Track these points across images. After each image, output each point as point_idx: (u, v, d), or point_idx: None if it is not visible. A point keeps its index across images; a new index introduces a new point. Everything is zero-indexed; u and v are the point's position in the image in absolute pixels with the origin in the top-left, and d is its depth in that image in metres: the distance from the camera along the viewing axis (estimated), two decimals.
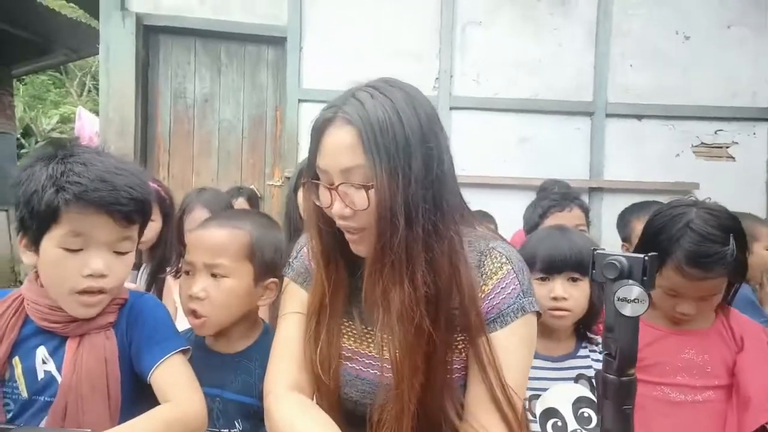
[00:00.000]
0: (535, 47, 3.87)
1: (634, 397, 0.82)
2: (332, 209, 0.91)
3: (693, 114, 3.89)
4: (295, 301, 1.05)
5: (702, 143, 3.93)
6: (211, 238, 1.15)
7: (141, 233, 1.07)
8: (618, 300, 0.77)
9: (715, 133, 3.92)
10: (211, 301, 1.12)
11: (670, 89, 3.89)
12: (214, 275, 1.13)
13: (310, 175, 0.95)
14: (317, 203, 0.94)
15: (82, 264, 0.96)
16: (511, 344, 0.92)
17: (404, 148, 0.85)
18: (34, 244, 0.97)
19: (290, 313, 1.05)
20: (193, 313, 1.14)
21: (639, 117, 3.91)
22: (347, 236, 0.94)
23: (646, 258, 0.80)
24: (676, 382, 1.29)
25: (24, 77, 10.60)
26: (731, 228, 1.20)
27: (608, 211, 3.69)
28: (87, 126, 4.87)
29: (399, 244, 0.85)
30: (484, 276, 0.94)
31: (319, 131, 0.91)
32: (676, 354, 1.30)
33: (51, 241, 0.96)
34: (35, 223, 0.95)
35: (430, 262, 0.87)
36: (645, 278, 0.79)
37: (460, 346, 0.93)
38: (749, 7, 3.89)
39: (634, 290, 0.77)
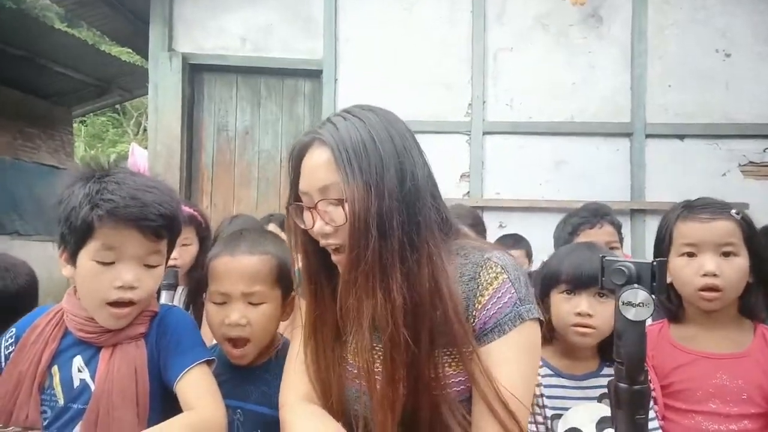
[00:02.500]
0: (569, 70, 3.86)
1: (648, 407, 0.80)
2: (314, 229, 0.94)
3: (739, 132, 3.76)
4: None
5: (750, 162, 3.77)
6: (246, 267, 1.16)
7: (171, 248, 1.13)
8: (623, 304, 0.76)
9: (764, 151, 3.76)
10: (252, 327, 1.15)
11: (713, 108, 3.78)
12: (250, 302, 1.15)
13: (292, 199, 1.00)
14: (302, 226, 0.98)
15: (114, 276, 1.03)
16: (511, 353, 0.90)
17: (376, 163, 0.89)
18: (72, 257, 1.04)
19: (301, 327, 1.07)
20: (231, 343, 1.16)
21: (681, 137, 3.81)
22: (333, 258, 0.97)
23: (655, 263, 0.79)
24: (708, 410, 1.23)
25: (85, 119, 11.33)
26: (733, 208, 1.30)
27: (651, 233, 3.53)
28: (139, 161, 5.13)
29: (372, 255, 0.87)
30: (480, 287, 0.93)
31: (298, 156, 0.97)
32: (707, 379, 1.25)
33: (86, 255, 1.03)
34: (73, 238, 1.03)
35: (406, 275, 0.88)
36: (654, 283, 0.78)
37: (457, 360, 0.92)
38: None
39: (639, 294, 0.76)
